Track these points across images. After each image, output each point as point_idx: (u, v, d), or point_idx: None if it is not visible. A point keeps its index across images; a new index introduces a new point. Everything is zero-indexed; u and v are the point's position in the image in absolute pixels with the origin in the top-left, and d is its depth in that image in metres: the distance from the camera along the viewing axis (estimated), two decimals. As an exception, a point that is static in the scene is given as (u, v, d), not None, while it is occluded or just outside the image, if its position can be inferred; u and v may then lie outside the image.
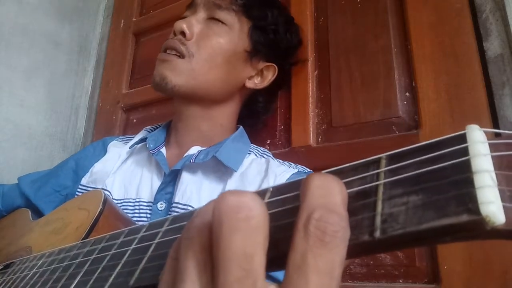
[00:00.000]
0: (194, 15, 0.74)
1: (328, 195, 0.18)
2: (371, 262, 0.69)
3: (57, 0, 1.29)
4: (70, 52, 1.31)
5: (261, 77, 0.79)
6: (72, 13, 1.33)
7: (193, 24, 0.72)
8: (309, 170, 0.72)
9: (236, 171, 0.67)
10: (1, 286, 0.46)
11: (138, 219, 0.66)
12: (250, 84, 0.77)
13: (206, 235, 0.18)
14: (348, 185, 0.21)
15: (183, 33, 0.71)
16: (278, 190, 0.23)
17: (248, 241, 0.17)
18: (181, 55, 0.70)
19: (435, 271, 0.63)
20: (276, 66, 0.79)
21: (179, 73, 0.69)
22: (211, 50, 0.71)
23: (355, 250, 0.19)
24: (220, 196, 0.18)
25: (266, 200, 0.23)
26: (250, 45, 0.75)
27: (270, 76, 0.79)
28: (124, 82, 1.25)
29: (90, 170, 0.76)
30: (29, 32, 1.20)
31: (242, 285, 0.16)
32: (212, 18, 0.73)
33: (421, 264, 0.65)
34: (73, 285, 0.31)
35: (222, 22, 0.73)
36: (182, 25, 0.71)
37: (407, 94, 0.75)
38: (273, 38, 0.78)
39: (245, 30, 0.75)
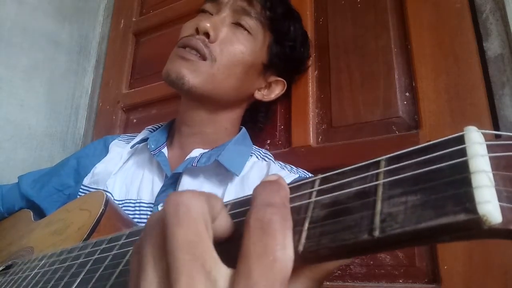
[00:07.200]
0: (218, 15, 0.71)
1: (267, 195, 0.22)
2: (371, 262, 0.69)
3: (57, 0, 1.29)
4: (70, 52, 1.30)
5: (268, 90, 0.79)
6: (72, 13, 1.33)
7: (218, 27, 0.69)
8: (310, 174, 0.71)
9: (238, 176, 0.66)
10: (3, 287, 0.46)
11: (139, 220, 0.65)
12: (258, 95, 0.77)
13: (159, 230, 0.22)
14: (348, 185, 0.22)
15: (206, 34, 0.68)
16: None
17: (190, 230, 0.20)
18: (202, 58, 0.67)
19: (435, 271, 0.63)
20: (285, 82, 0.79)
21: (198, 75, 0.66)
22: (233, 58, 0.69)
23: (354, 249, 0.20)
24: (166, 198, 0.22)
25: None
26: (267, 58, 0.75)
27: (278, 90, 0.79)
28: (124, 82, 1.25)
29: (92, 170, 0.75)
30: (29, 32, 1.19)
31: (191, 267, 0.19)
32: (238, 24, 0.71)
33: (421, 264, 0.65)
34: (76, 283, 0.31)
35: (248, 31, 0.71)
36: (207, 25, 0.67)
37: (407, 94, 0.75)
38: (289, 53, 0.78)
39: (266, 43, 0.74)
